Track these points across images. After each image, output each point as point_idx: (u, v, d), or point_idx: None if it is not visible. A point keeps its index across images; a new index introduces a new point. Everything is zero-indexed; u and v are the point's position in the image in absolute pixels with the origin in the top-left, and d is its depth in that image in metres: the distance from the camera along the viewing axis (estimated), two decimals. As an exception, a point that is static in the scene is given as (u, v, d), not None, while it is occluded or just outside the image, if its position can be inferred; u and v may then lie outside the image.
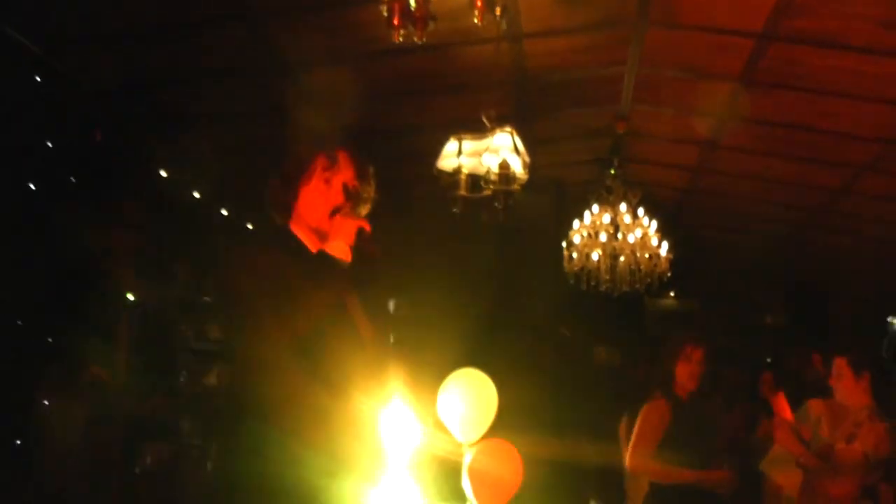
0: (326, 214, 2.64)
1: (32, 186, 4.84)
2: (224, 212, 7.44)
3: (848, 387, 4.30)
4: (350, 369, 2.56)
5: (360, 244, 2.58)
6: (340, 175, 2.68)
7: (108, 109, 5.47)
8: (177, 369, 6.89)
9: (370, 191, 2.78)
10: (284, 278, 2.45)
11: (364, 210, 2.73)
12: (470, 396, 4.45)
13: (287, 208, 2.70)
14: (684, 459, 4.05)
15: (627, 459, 4.20)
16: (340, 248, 2.57)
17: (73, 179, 5.32)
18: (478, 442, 4.78)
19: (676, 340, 4.33)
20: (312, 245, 2.63)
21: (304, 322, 2.44)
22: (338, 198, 2.65)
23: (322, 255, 2.56)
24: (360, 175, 2.73)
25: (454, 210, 4.71)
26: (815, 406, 4.75)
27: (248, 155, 6.30)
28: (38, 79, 4.81)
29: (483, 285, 5.61)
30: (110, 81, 5.19)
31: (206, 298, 7.40)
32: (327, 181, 2.66)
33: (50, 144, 5.03)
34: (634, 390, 5.21)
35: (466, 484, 4.28)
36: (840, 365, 4.35)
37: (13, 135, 4.70)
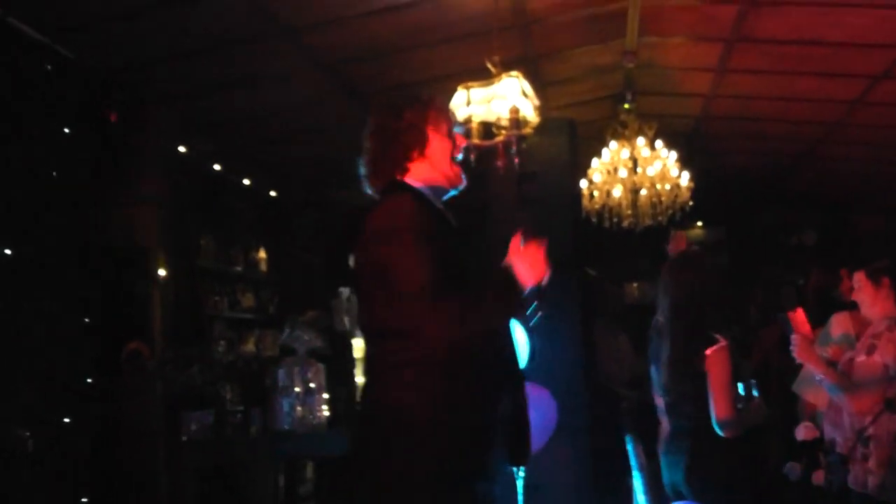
0: (451, 161, 2.58)
1: (55, 174, 4.91)
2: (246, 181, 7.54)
3: (869, 297, 4.25)
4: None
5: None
6: (446, 123, 2.62)
7: (120, 89, 5.53)
8: (214, 339, 7.03)
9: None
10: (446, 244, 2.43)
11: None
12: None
13: (403, 163, 2.54)
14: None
15: (722, 412, 3.69)
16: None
17: (94, 161, 5.40)
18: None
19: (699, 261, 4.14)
20: (441, 194, 2.59)
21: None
22: (459, 141, 2.62)
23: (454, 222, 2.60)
24: (452, 126, 2.68)
25: (470, 159, 4.69)
26: (838, 321, 4.73)
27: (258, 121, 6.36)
28: (49, 67, 4.86)
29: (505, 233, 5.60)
30: (121, 60, 5.22)
31: (237, 268, 7.53)
32: (446, 131, 2.61)
33: (67, 131, 5.09)
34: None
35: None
36: (859, 278, 4.32)
37: (31, 126, 4.77)
